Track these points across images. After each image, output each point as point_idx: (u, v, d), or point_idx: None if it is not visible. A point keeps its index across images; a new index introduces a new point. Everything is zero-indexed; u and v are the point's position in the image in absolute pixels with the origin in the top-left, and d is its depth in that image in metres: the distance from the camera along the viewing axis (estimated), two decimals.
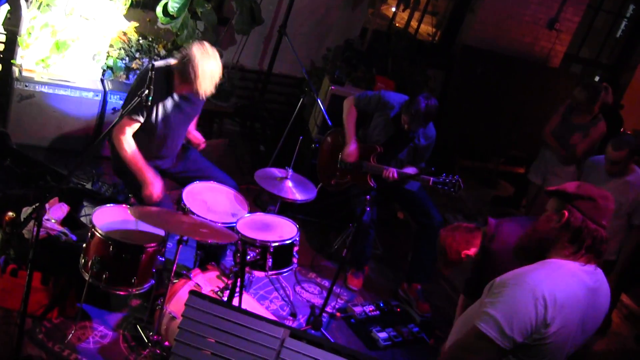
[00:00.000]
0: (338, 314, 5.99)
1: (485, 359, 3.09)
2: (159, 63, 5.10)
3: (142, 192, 5.09)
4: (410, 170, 6.10)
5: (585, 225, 3.11)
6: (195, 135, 5.72)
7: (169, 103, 5.13)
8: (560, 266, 3.12)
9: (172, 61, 5.11)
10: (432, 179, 5.82)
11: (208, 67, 4.92)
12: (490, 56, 9.59)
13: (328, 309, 5.92)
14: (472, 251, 4.32)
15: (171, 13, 7.11)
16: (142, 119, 5.03)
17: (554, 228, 3.18)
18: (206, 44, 5.03)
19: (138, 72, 7.12)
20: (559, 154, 7.39)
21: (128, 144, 5.05)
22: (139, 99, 4.23)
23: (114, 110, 6.84)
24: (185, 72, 4.91)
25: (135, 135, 5.14)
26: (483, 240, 4.23)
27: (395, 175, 6.02)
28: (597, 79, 11.63)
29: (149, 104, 4.29)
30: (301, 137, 5.70)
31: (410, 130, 6.08)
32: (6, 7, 6.69)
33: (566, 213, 3.14)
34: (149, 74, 4.22)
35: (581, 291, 3.08)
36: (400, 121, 6.14)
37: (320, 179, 6.64)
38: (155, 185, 5.09)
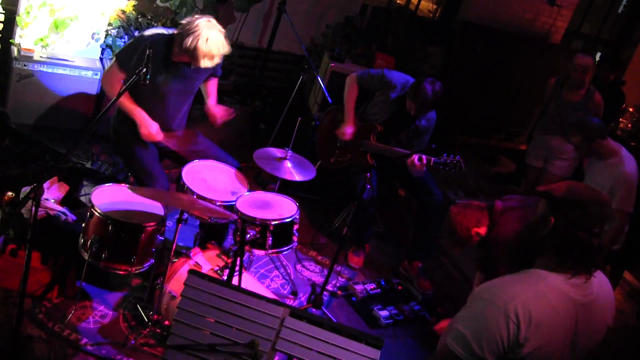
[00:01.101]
0: (339, 292, 5.99)
1: None
2: (157, 31, 5.08)
3: (140, 131, 5.09)
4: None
5: (573, 235, 2.83)
6: (217, 111, 5.64)
7: (166, 73, 5.10)
8: (542, 279, 2.85)
9: (171, 30, 5.09)
10: (433, 159, 5.78)
11: (212, 37, 4.90)
12: (490, 32, 9.56)
13: (329, 288, 5.93)
14: (482, 230, 4.31)
15: None
16: (127, 73, 5.01)
17: (538, 236, 2.92)
18: (212, 19, 5.02)
19: None
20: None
21: (117, 88, 5.03)
22: (137, 77, 4.21)
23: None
24: (186, 40, 4.88)
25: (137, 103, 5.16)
26: (490, 223, 4.22)
27: (424, 162, 5.90)
28: (598, 55, 11.59)
29: (147, 82, 4.27)
30: (300, 118, 5.68)
31: (417, 116, 6.07)
32: None
33: (552, 220, 2.87)
34: (147, 52, 4.20)
35: (564, 308, 2.83)
36: (401, 102, 6.12)
37: (320, 157, 6.63)
38: (150, 123, 5.08)
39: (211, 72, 5.49)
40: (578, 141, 6.24)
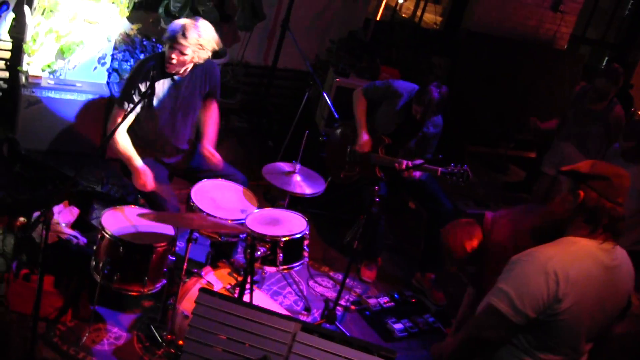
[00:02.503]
0: (352, 306, 5.99)
1: (499, 335, 3.15)
2: (153, 56, 5.12)
3: (133, 181, 5.12)
4: (418, 161, 6.09)
5: (601, 205, 3.10)
6: (211, 152, 5.57)
7: (163, 88, 5.13)
8: (574, 243, 3.13)
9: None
10: (440, 169, 5.81)
11: (188, 23, 4.98)
12: (495, 41, 9.56)
13: (342, 302, 5.93)
14: (475, 242, 4.31)
15: (173, 13, 7.11)
16: (129, 109, 5.02)
17: (569, 209, 3.18)
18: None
19: None
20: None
21: (119, 134, 5.08)
22: (143, 99, 4.25)
23: None
24: (171, 37, 4.96)
25: (135, 129, 5.20)
26: (482, 235, 4.22)
27: (410, 164, 5.99)
28: (605, 59, 11.59)
29: (153, 104, 4.32)
30: (307, 131, 5.71)
31: (423, 120, 6.09)
32: (11, 15, 6.71)
33: (581, 193, 3.13)
34: (151, 73, 4.24)
35: (596, 269, 3.09)
36: (408, 110, 6.15)
37: (330, 172, 6.64)
38: (146, 174, 5.09)
39: (208, 90, 5.51)
40: (631, 146, 6.19)
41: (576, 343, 3.19)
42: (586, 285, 3.05)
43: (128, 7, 6.87)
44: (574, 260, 3.06)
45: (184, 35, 4.92)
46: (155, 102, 5.11)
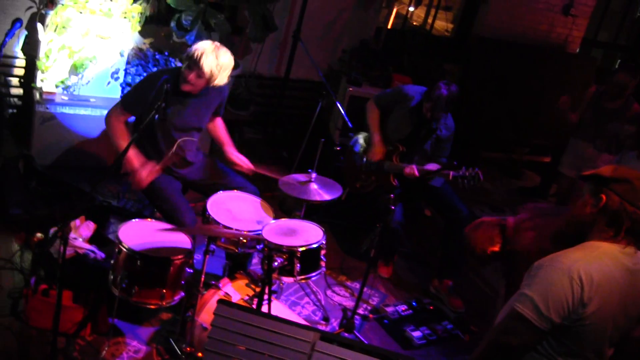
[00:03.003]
0: (370, 315, 5.98)
1: (523, 341, 3.12)
2: (163, 69, 5.15)
3: (130, 179, 5.17)
4: (431, 166, 6.10)
5: (624, 208, 3.07)
6: (239, 157, 5.71)
7: (174, 106, 5.16)
8: (597, 247, 3.11)
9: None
10: (451, 173, 5.82)
11: (208, 49, 5.03)
12: (506, 46, 9.55)
13: (360, 311, 5.92)
14: (497, 247, 4.31)
15: (185, 26, 7.13)
16: (133, 114, 5.18)
17: (591, 212, 3.16)
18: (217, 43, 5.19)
19: None
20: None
21: (122, 131, 5.19)
22: (155, 112, 4.27)
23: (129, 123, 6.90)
24: (190, 58, 5.02)
25: (147, 144, 5.26)
26: (503, 240, 4.23)
27: (416, 172, 6.03)
28: (617, 62, 11.55)
29: (166, 116, 4.34)
30: (323, 140, 5.71)
31: (433, 117, 6.10)
32: (24, 32, 6.76)
33: (604, 197, 3.11)
34: (165, 87, 4.26)
35: (619, 272, 3.07)
36: (420, 112, 6.17)
37: (346, 183, 6.65)
38: (141, 171, 5.12)
39: (217, 106, 5.58)
40: None
41: (600, 347, 3.16)
42: (610, 289, 3.03)
43: (140, 22, 6.91)
44: (597, 264, 3.03)
45: (203, 60, 4.98)
46: (168, 116, 5.13)
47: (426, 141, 6.32)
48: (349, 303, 6.04)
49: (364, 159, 6.48)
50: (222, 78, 5.13)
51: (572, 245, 3.18)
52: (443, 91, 5.95)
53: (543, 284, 3.02)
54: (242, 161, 5.64)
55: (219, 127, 5.79)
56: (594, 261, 3.04)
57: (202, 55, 4.97)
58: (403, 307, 6.12)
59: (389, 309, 6.03)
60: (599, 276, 3.00)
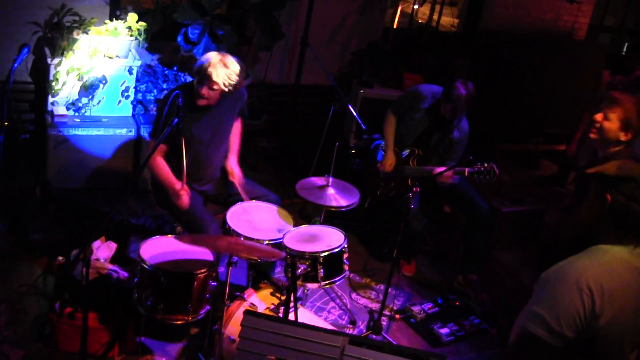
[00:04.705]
0: (397, 315, 5.95)
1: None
2: (178, 87, 5.16)
3: (173, 202, 5.17)
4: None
5: (630, 209, 2.99)
6: (233, 169, 5.70)
7: (197, 121, 5.17)
8: (605, 252, 3.02)
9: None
10: (467, 169, 5.80)
11: (215, 60, 5.04)
12: (514, 38, 9.51)
13: (386, 312, 5.90)
14: None
15: (192, 40, 7.14)
16: (167, 143, 5.13)
17: (597, 214, 3.09)
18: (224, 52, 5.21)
19: None
20: None
21: (159, 163, 5.20)
22: (170, 128, 4.27)
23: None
24: (199, 73, 5.04)
25: (173, 161, 5.26)
26: None
27: (455, 178, 5.99)
28: (625, 45, 11.49)
29: (180, 130, 4.34)
30: (337, 143, 5.71)
31: (453, 117, 6.08)
32: (31, 57, 6.78)
33: (609, 197, 3.03)
34: (177, 102, 4.26)
35: (632, 277, 2.98)
36: (436, 113, 6.16)
37: (367, 192, 6.67)
38: (184, 195, 5.13)
39: (236, 113, 5.57)
40: None
41: (621, 355, 3.07)
42: (623, 296, 2.94)
43: (146, 38, 6.92)
44: (607, 271, 2.95)
45: (212, 72, 4.99)
46: (191, 133, 5.15)
47: (440, 143, 6.30)
48: (375, 305, 6.02)
49: (380, 170, 6.51)
50: (235, 84, 5.12)
51: (580, 250, 3.10)
52: (462, 91, 5.92)
53: (552, 299, 2.93)
54: (234, 173, 5.63)
55: (234, 132, 5.74)
56: (604, 269, 2.95)
57: (210, 67, 4.98)
58: (429, 305, 6.10)
59: (415, 308, 6.01)
60: (609, 285, 2.91)
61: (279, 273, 5.83)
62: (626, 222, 3.01)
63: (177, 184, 5.13)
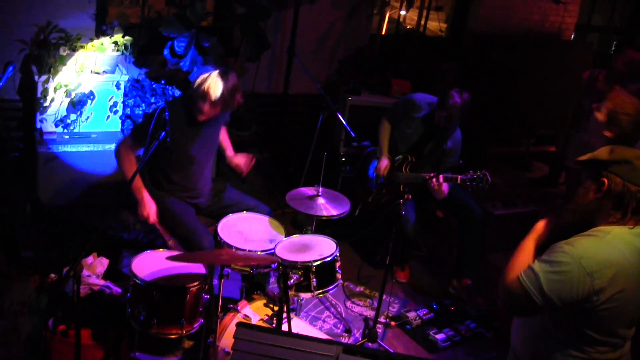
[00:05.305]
0: (392, 322, 5.94)
1: (526, 309, 3.12)
2: (172, 101, 5.16)
3: (139, 212, 5.20)
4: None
5: (627, 189, 3.04)
6: (239, 160, 5.79)
7: (192, 136, 5.18)
8: (607, 233, 3.06)
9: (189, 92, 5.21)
10: (459, 176, 5.82)
11: (213, 77, 5.03)
12: (502, 40, 9.54)
13: (381, 319, 5.89)
14: None
15: (178, 52, 7.13)
16: (139, 148, 5.21)
17: (595, 198, 3.13)
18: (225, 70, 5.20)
19: None
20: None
21: (131, 162, 5.26)
22: (157, 142, 4.27)
23: (139, 156, 6.89)
24: (198, 90, 5.03)
25: (167, 174, 5.30)
26: None
27: (442, 181, 5.97)
28: (614, 44, 11.52)
29: (168, 144, 4.34)
30: (326, 153, 5.71)
31: (448, 125, 6.09)
32: (18, 74, 6.77)
33: (605, 180, 3.08)
34: (163, 116, 4.26)
35: (633, 256, 3.03)
36: (431, 122, 6.17)
37: (359, 199, 6.68)
38: (151, 207, 5.17)
39: (223, 123, 5.63)
40: None
41: (622, 330, 3.14)
42: (625, 274, 2.99)
43: (133, 53, 6.91)
44: (608, 250, 2.99)
45: (213, 90, 5.00)
46: (182, 148, 5.15)
47: (434, 152, 6.31)
48: (370, 312, 6.01)
49: (374, 176, 6.50)
50: (235, 100, 5.16)
51: (584, 230, 3.15)
52: (457, 99, 5.94)
53: (554, 265, 3.00)
54: (241, 164, 5.75)
55: (223, 137, 5.84)
56: (605, 248, 3.00)
57: (209, 85, 4.97)
58: (424, 311, 6.10)
59: (410, 314, 6.00)
60: (611, 263, 2.97)
61: (272, 284, 5.82)
62: (624, 203, 3.06)
63: (147, 194, 5.19)
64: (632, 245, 3.05)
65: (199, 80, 5.05)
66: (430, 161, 6.36)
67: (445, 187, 5.94)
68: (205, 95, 5.00)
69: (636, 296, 3.07)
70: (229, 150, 5.83)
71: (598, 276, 2.93)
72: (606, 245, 3.02)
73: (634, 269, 3.03)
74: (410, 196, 5.43)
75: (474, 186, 5.78)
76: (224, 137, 5.83)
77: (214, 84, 4.99)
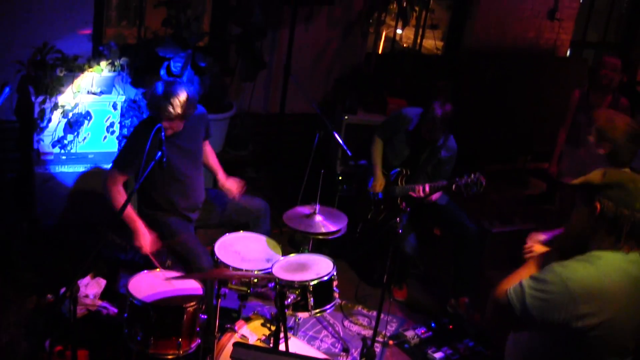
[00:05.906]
0: (390, 341, 5.93)
1: (509, 323, 3.18)
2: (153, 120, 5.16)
3: (133, 242, 5.20)
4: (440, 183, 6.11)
5: (621, 213, 3.00)
6: (231, 185, 5.78)
7: (170, 151, 5.18)
8: (599, 258, 3.03)
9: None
10: (454, 184, 5.83)
11: (163, 94, 5.04)
12: (497, 57, 9.56)
13: (379, 339, 5.88)
14: None
15: (175, 73, 7.15)
16: (130, 175, 5.25)
17: (588, 222, 3.09)
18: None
19: None
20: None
21: (120, 194, 5.25)
22: (154, 162, 4.28)
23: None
24: (154, 108, 5.07)
25: (160, 192, 5.32)
26: None
27: (427, 189, 6.01)
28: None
29: (165, 165, 4.35)
30: (322, 171, 5.72)
31: (431, 137, 6.12)
32: (15, 96, 6.78)
33: (598, 205, 3.04)
34: (159, 136, 4.27)
35: (624, 282, 2.99)
36: (419, 133, 6.19)
37: (358, 219, 6.68)
38: (145, 237, 5.17)
39: (203, 134, 5.62)
40: None
41: (621, 350, 3.09)
42: (615, 302, 2.95)
43: (130, 73, 6.93)
44: (599, 276, 2.96)
45: (164, 105, 5.01)
46: (170, 165, 5.15)
47: (428, 163, 6.33)
48: (368, 331, 6.00)
49: (371, 192, 6.51)
50: (192, 108, 5.20)
51: (577, 254, 3.11)
52: (437, 112, 5.98)
53: (540, 283, 2.99)
54: (233, 189, 5.73)
55: (208, 153, 5.85)
56: (595, 274, 2.97)
57: (161, 101, 5.00)
58: (422, 330, 6.08)
59: (409, 333, 5.99)
60: (599, 289, 2.93)
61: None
62: (618, 228, 3.02)
63: (142, 224, 5.20)
64: (625, 272, 3.01)
65: (149, 98, 5.12)
66: (426, 172, 6.38)
67: (435, 196, 5.99)
68: (160, 112, 5.02)
69: (629, 325, 3.04)
70: (220, 174, 5.84)
71: (582, 301, 2.90)
72: (596, 271, 2.98)
73: (626, 297, 2.99)
74: (409, 208, 5.43)
75: (469, 191, 5.77)
76: (213, 161, 5.87)
77: (164, 100, 5.00)
